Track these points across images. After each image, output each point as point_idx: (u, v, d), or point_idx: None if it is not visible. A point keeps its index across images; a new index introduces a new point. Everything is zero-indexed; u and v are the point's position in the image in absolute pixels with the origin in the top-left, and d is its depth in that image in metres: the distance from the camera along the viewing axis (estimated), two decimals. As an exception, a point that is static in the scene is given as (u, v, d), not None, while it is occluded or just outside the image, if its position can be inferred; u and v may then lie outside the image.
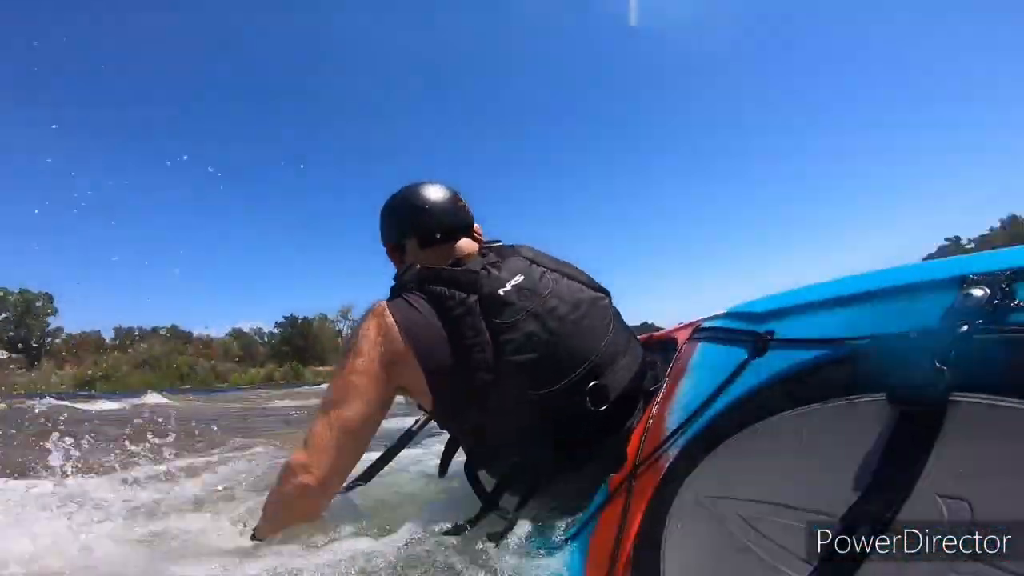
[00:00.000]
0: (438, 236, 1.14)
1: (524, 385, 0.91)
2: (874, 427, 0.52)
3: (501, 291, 0.97)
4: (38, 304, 51.14)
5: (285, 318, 67.23)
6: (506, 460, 0.99)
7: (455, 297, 0.96)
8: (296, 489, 0.95)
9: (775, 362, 0.62)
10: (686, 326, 1.04)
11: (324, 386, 1.13)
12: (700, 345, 0.82)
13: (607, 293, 1.11)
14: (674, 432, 0.68)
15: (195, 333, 63.85)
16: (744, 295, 0.93)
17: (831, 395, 0.55)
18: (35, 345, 49.38)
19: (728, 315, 0.80)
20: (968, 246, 51.36)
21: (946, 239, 57.30)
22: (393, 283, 1.07)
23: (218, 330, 68.40)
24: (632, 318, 1.21)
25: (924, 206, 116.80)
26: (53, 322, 52.66)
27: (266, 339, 67.25)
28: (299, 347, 62.01)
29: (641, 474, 0.70)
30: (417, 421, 1.48)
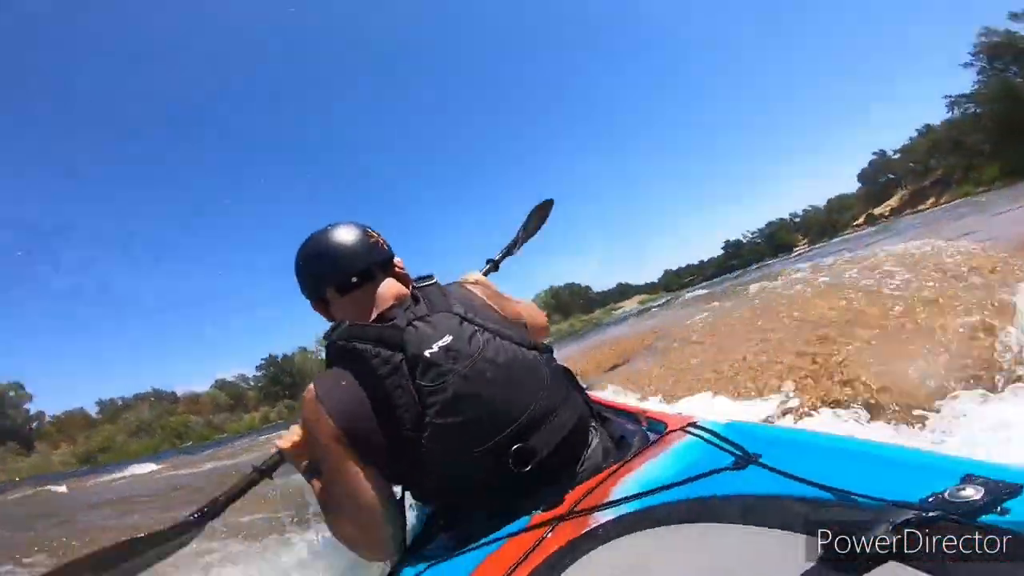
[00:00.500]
0: (354, 280, 1.08)
1: (449, 446, 0.92)
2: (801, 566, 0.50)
3: (428, 352, 0.94)
4: (11, 394, 49.99)
5: (264, 360, 66.33)
6: (435, 505, 1.04)
7: (380, 355, 0.95)
8: (359, 552, 1.03)
9: (749, 479, 0.63)
10: (680, 416, 1.02)
11: None
12: (689, 439, 0.81)
13: (544, 349, 1.07)
14: (624, 498, 0.67)
15: (179, 392, 63.30)
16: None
17: (787, 527, 0.54)
18: (27, 430, 48.54)
19: (726, 425, 0.79)
20: (894, 156, 55.36)
21: (873, 153, 61.83)
22: (324, 341, 1.05)
23: (201, 385, 67.37)
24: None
25: (854, 127, 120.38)
26: (32, 407, 51.50)
27: (252, 383, 66.78)
28: (288, 384, 60.94)
29: (569, 521, 0.70)
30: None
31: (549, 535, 0.69)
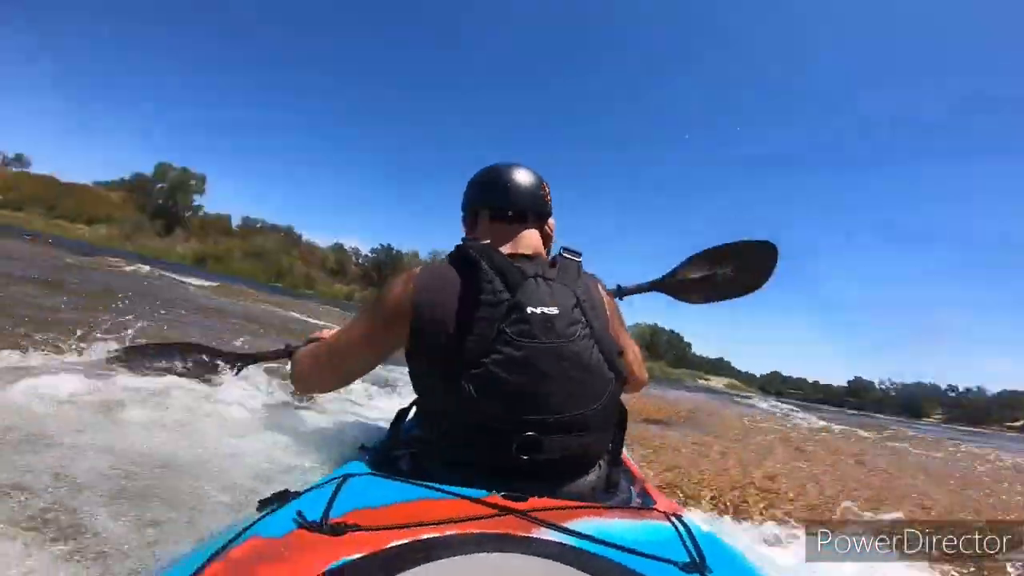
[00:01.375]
0: (509, 214, 1.16)
1: (484, 395, 0.92)
2: None
3: (530, 309, 0.96)
4: (192, 183, 58.65)
5: (381, 245, 71.99)
6: (429, 429, 1.04)
7: (493, 284, 0.97)
8: (291, 374, 1.33)
9: None
10: (671, 503, 1.04)
11: None
12: (664, 523, 0.82)
13: (620, 378, 1.05)
14: (576, 533, 0.69)
15: (304, 237, 70.38)
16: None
17: None
18: (178, 216, 56.87)
19: (705, 533, 0.80)
20: None
21: None
22: (459, 244, 1.08)
23: (323, 240, 74.78)
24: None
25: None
26: (198, 200, 60.20)
27: (360, 260, 72.48)
28: (386, 276, 64.10)
29: (518, 519, 0.72)
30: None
31: (489, 518, 0.71)
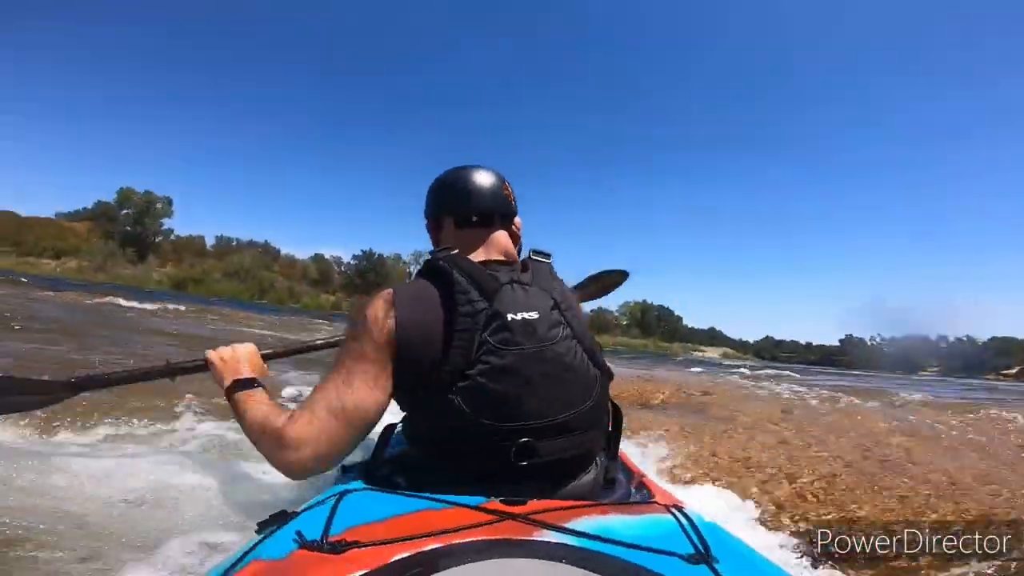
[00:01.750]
0: (474, 219, 1.14)
1: (474, 406, 0.91)
2: None
3: (510, 316, 0.95)
4: (158, 206, 57.26)
5: (363, 252, 71.28)
6: (421, 447, 1.02)
7: (469, 295, 0.96)
8: (280, 462, 0.98)
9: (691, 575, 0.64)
10: (670, 495, 1.06)
11: None
12: (665, 516, 0.81)
13: (606, 373, 1.07)
14: (577, 532, 0.69)
15: (282, 252, 69.39)
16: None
17: None
18: (148, 241, 55.59)
19: (707, 523, 0.80)
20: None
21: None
22: (427, 258, 1.07)
23: (302, 252, 73.94)
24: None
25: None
26: (167, 223, 58.85)
27: (343, 268, 71.73)
28: (371, 282, 65.22)
29: (516, 523, 0.72)
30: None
31: (489, 524, 0.70)
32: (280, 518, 0.74)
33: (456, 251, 1.04)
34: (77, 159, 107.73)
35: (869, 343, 76.25)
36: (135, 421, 2.39)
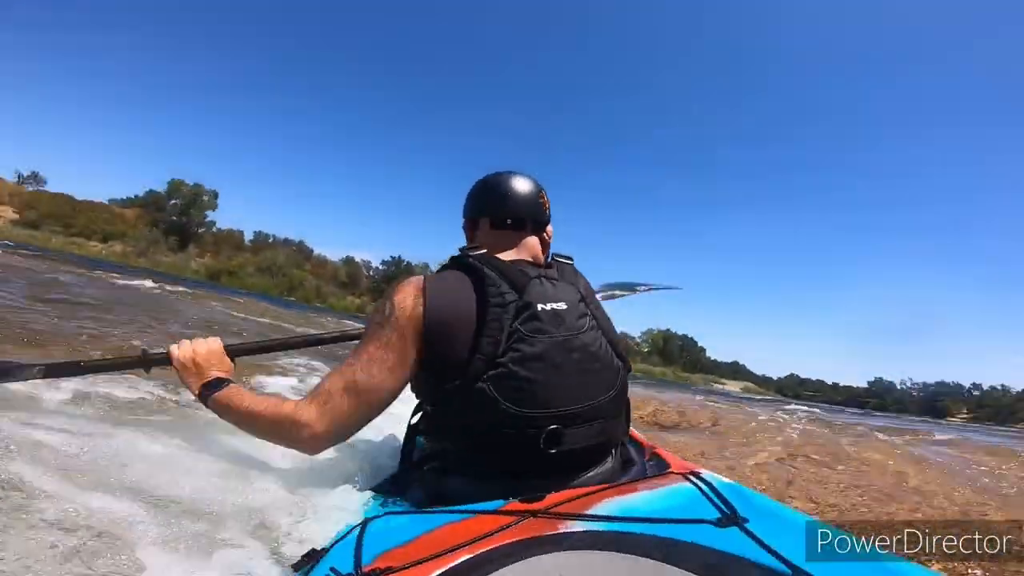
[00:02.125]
0: (508, 222, 1.18)
1: (504, 395, 0.93)
2: None
3: (540, 306, 0.98)
4: (204, 198, 59.20)
5: (393, 257, 72.35)
6: (448, 440, 1.02)
7: (499, 287, 0.98)
8: (293, 442, 1.02)
9: (727, 538, 0.63)
10: (685, 463, 1.05)
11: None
12: (685, 485, 0.81)
13: (627, 365, 1.11)
14: (601, 516, 0.69)
15: (316, 252, 70.92)
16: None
17: None
18: (190, 232, 57.50)
19: (727, 484, 0.80)
20: None
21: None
22: (457, 253, 1.10)
23: (334, 254, 75.37)
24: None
25: None
26: (211, 216, 60.80)
27: (371, 272, 72.86)
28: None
29: (539, 519, 0.71)
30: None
31: (514, 525, 0.70)
32: (311, 557, 0.75)
33: (485, 250, 1.10)
34: (136, 148, 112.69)
35: (899, 386, 73.55)
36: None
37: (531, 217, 1.22)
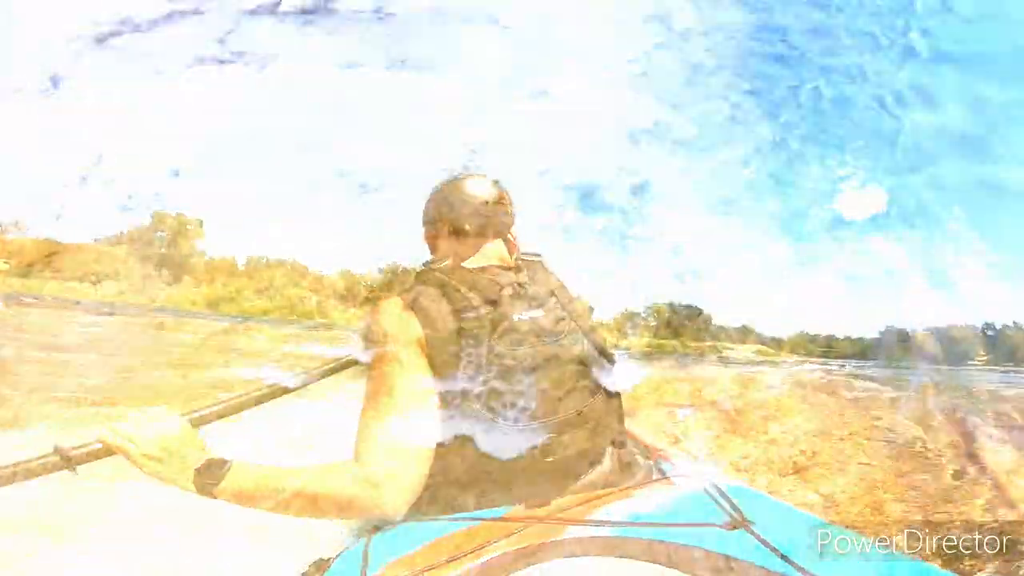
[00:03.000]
0: (466, 227, 1.15)
1: (490, 407, 0.92)
2: None
3: (516, 316, 0.97)
4: (189, 227, 58.93)
5: (389, 265, 72.23)
6: (447, 453, 0.97)
7: (470, 301, 0.96)
8: (377, 502, 0.86)
9: (735, 541, 0.64)
10: (691, 465, 1.09)
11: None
12: (691, 487, 0.81)
13: (611, 359, 1.09)
14: (606, 521, 0.69)
15: (310, 268, 70.84)
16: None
17: None
18: (182, 263, 57.34)
19: (732, 486, 0.80)
20: None
21: None
22: (422, 267, 1.09)
23: (330, 268, 75.28)
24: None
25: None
26: (199, 245, 60.60)
27: (370, 282, 72.76)
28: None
29: (544, 525, 0.71)
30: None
31: (518, 532, 0.71)
32: (319, 567, 0.76)
33: (450, 261, 1.08)
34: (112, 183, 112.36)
35: (911, 333, 73.85)
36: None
37: (493, 220, 1.16)
